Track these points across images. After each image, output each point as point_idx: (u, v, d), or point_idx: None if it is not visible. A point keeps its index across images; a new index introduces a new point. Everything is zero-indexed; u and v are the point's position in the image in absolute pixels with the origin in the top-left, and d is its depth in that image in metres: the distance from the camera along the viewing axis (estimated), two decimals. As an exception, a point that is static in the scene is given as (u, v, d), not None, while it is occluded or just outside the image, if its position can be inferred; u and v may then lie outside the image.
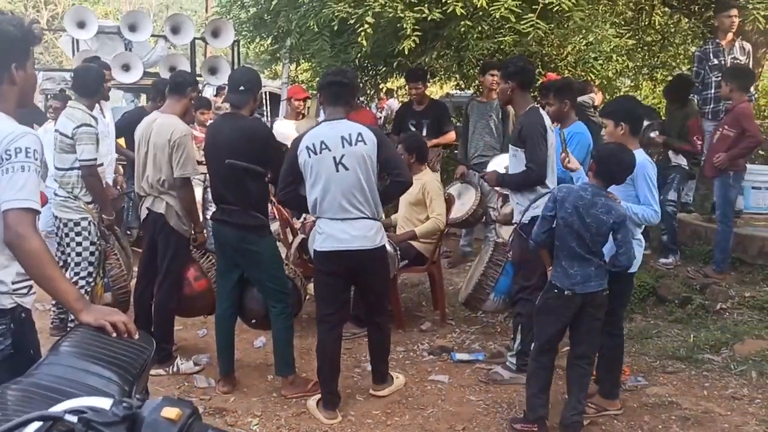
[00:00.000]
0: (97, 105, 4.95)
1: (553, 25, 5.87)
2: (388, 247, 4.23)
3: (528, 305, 3.98)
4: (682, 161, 6.07)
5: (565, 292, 3.41)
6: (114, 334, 2.03)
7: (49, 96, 7.94)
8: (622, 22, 6.81)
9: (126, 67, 6.96)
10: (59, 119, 4.62)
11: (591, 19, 6.01)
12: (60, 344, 1.99)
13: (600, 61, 7.21)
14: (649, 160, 3.71)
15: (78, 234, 4.53)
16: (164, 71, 7.17)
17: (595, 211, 3.33)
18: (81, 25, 7.04)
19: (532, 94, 4.66)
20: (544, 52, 6.98)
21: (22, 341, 2.27)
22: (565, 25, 6.17)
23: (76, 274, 4.52)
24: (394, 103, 12.36)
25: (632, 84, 9.69)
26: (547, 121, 4.07)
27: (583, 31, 6.23)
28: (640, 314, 5.32)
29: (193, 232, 4.46)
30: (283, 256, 4.76)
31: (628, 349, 4.49)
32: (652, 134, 6.01)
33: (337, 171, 3.59)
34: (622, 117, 3.66)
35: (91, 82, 4.60)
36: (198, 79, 7.57)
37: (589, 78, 7.45)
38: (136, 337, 2.07)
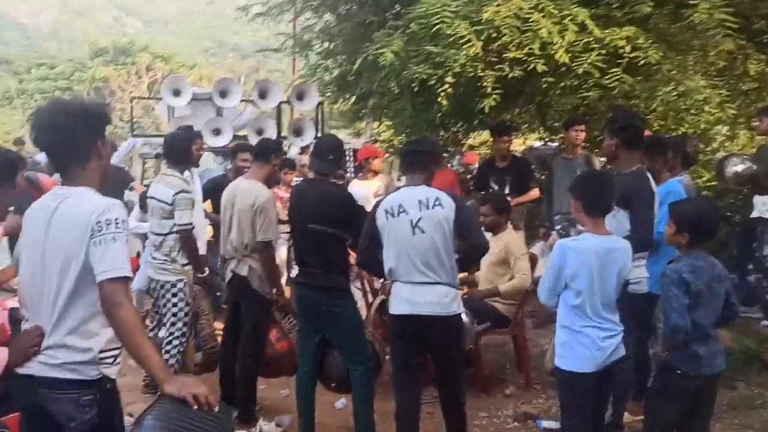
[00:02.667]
0: (186, 171, 5.17)
1: (640, 78, 5.73)
2: (465, 318, 4.15)
3: (624, 375, 3.76)
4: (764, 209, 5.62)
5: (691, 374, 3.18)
6: (195, 407, 2.07)
7: (145, 160, 8.40)
8: (714, 72, 6.55)
9: (217, 131, 7.27)
10: (156, 186, 4.85)
11: (680, 71, 5.83)
12: (144, 418, 2.03)
13: (692, 112, 6.95)
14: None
15: (174, 295, 4.72)
16: (252, 134, 7.44)
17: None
18: (176, 93, 7.45)
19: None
20: (631, 105, 6.80)
21: (108, 411, 2.34)
22: (653, 78, 6.01)
23: (171, 333, 4.70)
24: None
25: (728, 134, 9.28)
26: (653, 184, 3.91)
27: (673, 83, 6.04)
28: (742, 381, 4.93)
29: (274, 294, 4.53)
30: (363, 316, 4.75)
31: (730, 421, 4.18)
32: (738, 167, 5.60)
33: (414, 234, 3.57)
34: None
35: (180, 150, 4.84)
36: (283, 140, 7.86)
37: (679, 131, 7.19)
38: (216, 409, 2.10)
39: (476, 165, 12.24)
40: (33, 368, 2.28)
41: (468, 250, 3.76)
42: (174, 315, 4.73)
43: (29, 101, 32.48)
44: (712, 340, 3.19)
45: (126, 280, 2.26)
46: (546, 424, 4.51)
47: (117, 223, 2.24)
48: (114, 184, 6.43)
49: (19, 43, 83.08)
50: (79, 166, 2.34)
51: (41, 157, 6.40)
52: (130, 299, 2.31)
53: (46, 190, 3.45)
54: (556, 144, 8.66)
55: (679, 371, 3.16)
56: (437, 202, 3.59)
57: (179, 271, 4.71)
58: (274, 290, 4.54)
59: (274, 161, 4.65)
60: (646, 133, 5.45)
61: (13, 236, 3.16)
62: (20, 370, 2.30)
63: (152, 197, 4.75)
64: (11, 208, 3.45)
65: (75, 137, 2.30)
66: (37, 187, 3.61)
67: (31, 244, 2.38)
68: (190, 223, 4.67)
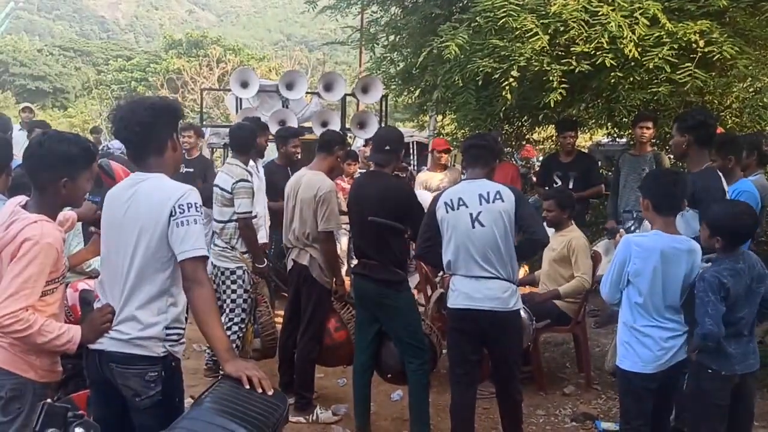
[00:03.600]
0: (251, 161, 5.30)
1: (714, 74, 5.52)
2: (523, 314, 4.11)
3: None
4: None
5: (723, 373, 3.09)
6: (247, 386, 2.16)
7: (214, 149, 8.63)
8: (795, 67, 6.26)
9: (282, 123, 7.39)
10: (220, 174, 4.98)
11: (758, 66, 5.59)
12: (203, 399, 2.12)
13: (770, 109, 6.67)
14: None
15: (233, 282, 4.84)
16: (317, 126, 7.55)
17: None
18: (244, 84, 7.61)
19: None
20: (704, 100, 6.56)
21: (171, 389, 2.46)
22: (728, 74, 5.78)
23: (230, 320, 4.82)
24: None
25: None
26: (725, 183, 3.79)
27: (749, 79, 5.80)
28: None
29: (334, 284, 4.59)
30: (422, 310, 4.77)
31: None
32: None
33: (473, 228, 3.57)
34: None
35: (244, 140, 4.96)
36: (348, 132, 7.94)
37: (755, 128, 6.90)
38: (270, 393, 2.18)
39: (535, 159, 12.11)
40: (104, 344, 2.42)
41: (526, 243, 3.72)
42: (233, 301, 4.84)
43: (107, 91, 33.77)
44: (746, 339, 3.09)
45: (205, 259, 2.42)
46: (605, 425, 4.43)
47: (197, 207, 2.40)
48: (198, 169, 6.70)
49: (98, 35, 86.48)
50: (155, 157, 2.51)
51: (114, 145, 6.66)
52: (209, 278, 2.46)
53: (117, 177, 3.62)
54: (624, 140, 8.45)
55: (710, 370, 3.08)
56: (498, 196, 3.58)
57: (238, 259, 4.82)
58: (334, 280, 4.60)
59: (338, 153, 4.70)
60: (719, 130, 5.26)
61: (86, 222, 3.31)
62: (92, 347, 2.44)
63: (216, 185, 4.88)
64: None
65: (152, 131, 2.47)
66: (109, 174, 3.77)
67: (109, 223, 2.54)
68: (250, 212, 4.78)
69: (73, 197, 2.54)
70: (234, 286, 4.83)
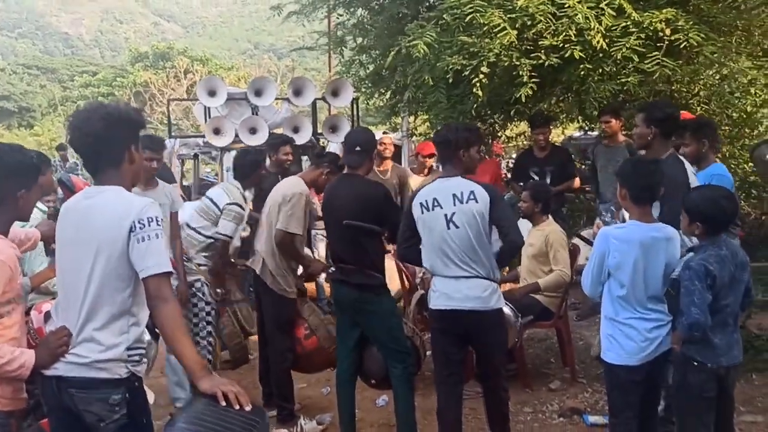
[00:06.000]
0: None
1: (681, 62, 5.54)
2: (507, 311, 4.07)
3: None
4: None
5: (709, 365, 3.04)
6: (224, 403, 2.07)
7: (184, 160, 8.50)
8: (760, 53, 6.30)
9: (253, 130, 7.29)
10: (215, 189, 4.93)
11: (723, 52, 5.61)
12: (177, 419, 2.03)
13: (737, 95, 6.71)
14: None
15: (193, 296, 4.64)
16: (288, 131, 7.45)
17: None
18: (212, 93, 7.48)
19: None
20: (672, 89, 6.59)
21: (136, 410, 2.35)
22: (695, 61, 5.80)
23: (196, 334, 4.64)
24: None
25: (776, 116, 8.94)
26: (689, 168, 3.77)
27: (716, 65, 5.82)
28: None
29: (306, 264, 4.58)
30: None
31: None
32: None
33: (448, 228, 3.51)
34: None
35: (245, 168, 4.93)
36: (319, 136, 7.86)
37: (725, 114, 6.95)
38: (248, 408, 2.09)
39: (502, 155, 12.13)
40: (60, 369, 2.29)
41: (502, 250, 3.65)
42: (195, 315, 4.65)
43: (73, 108, 33.30)
44: (731, 329, 3.05)
45: (170, 275, 2.31)
46: (593, 419, 4.40)
47: (157, 221, 2.29)
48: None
49: (63, 52, 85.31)
50: (111, 168, 2.38)
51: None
52: (173, 295, 2.35)
53: (77, 189, 3.50)
54: (596, 133, 8.48)
55: (695, 362, 3.03)
56: (471, 196, 3.52)
57: (195, 271, 4.65)
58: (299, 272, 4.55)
59: (324, 169, 4.62)
60: (688, 115, 5.28)
61: (49, 241, 3.20)
62: (47, 372, 2.31)
63: (208, 196, 4.82)
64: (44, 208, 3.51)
65: (107, 141, 2.33)
66: (69, 189, 3.65)
67: (63, 240, 2.42)
68: (230, 237, 4.69)
69: (27, 210, 2.44)
70: (194, 300, 4.63)
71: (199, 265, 4.69)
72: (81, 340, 2.28)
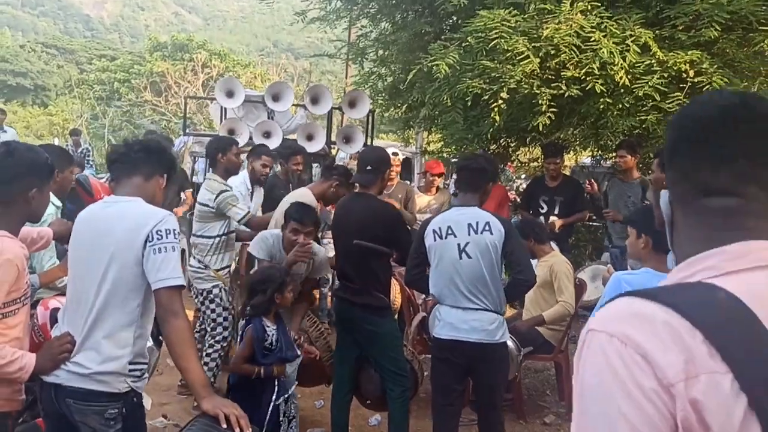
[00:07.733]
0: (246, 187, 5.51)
1: (702, 104, 5.51)
2: (510, 345, 4.04)
3: None
4: None
5: None
6: (224, 425, 2.05)
7: (196, 158, 8.48)
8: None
9: (267, 134, 7.28)
10: (201, 191, 4.92)
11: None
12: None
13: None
14: None
15: (211, 302, 4.78)
16: (302, 138, 7.44)
17: None
18: (230, 94, 7.48)
19: None
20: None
21: (132, 427, 2.33)
22: (716, 104, 5.78)
23: (212, 337, 4.76)
24: None
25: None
26: None
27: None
28: None
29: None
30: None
31: None
32: None
33: (460, 258, 3.49)
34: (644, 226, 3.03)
35: (210, 156, 5.02)
36: (333, 145, 7.87)
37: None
38: (249, 431, 2.08)
39: (514, 176, 12.12)
40: (60, 377, 2.28)
41: (512, 284, 3.64)
42: (213, 320, 4.81)
43: (88, 91, 33.37)
44: None
45: (182, 288, 2.30)
46: (585, 457, 4.35)
47: (175, 234, 2.29)
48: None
49: (83, 33, 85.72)
50: (141, 180, 2.47)
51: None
52: (184, 309, 2.33)
53: (96, 194, 3.49)
54: (609, 163, 8.45)
55: None
56: (487, 227, 3.50)
57: (213, 278, 4.76)
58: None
59: (333, 182, 4.68)
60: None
61: (61, 240, 3.19)
62: (47, 379, 2.29)
63: (198, 201, 4.84)
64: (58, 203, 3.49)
65: (150, 158, 2.47)
66: (86, 190, 3.63)
67: (78, 244, 2.42)
68: (247, 212, 4.76)
69: (38, 210, 2.41)
70: (212, 305, 4.80)
71: (217, 270, 4.76)
72: (84, 347, 2.27)
